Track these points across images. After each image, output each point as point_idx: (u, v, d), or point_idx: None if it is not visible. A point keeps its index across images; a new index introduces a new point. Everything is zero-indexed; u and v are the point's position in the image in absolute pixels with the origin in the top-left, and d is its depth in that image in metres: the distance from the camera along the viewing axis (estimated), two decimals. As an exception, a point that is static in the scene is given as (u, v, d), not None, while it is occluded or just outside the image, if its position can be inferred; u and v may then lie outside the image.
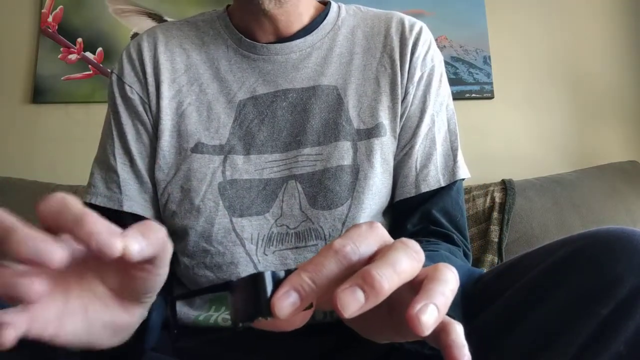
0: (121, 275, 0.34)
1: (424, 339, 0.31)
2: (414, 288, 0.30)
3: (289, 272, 0.30)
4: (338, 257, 0.29)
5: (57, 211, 0.28)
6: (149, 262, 0.32)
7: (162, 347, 0.58)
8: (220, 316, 0.61)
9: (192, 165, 0.64)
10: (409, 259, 0.29)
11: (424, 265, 0.50)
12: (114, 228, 0.29)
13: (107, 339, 0.35)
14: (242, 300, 0.30)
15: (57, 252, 0.27)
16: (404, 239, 0.31)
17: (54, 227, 0.28)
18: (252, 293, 0.30)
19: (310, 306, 0.31)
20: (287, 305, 0.29)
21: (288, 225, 0.62)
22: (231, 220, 0.62)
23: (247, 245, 0.62)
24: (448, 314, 0.41)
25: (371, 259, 0.30)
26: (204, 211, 0.62)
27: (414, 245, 0.30)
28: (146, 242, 0.30)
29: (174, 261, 0.66)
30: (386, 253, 0.29)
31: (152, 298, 0.37)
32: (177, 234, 0.64)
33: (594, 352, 0.38)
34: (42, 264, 0.26)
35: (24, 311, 0.29)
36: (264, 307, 0.29)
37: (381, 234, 0.32)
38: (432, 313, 0.28)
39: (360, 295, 0.27)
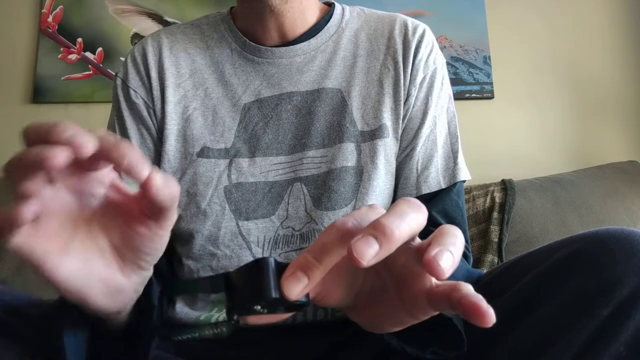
0: (125, 230, 0.35)
1: (437, 316, 0.32)
2: (421, 258, 0.31)
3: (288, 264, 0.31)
4: (340, 233, 0.30)
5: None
6: (154, 217, 0.34)
7: (164, 345, 0.58)
8: (221, 316, 0.62)
9: (198, 169, 0.64)
10: (414, 211, 0.31)
11: None
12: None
13: (102, 297, 0.35)
14: (242, 287, 0.31)
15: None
16: (405, 197, 0.32)
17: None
18: (256, 278, 0.30)
19: (308, 303, 0.31)
20: (295, 286, 0.29)
21: (294, 227, 0.63)
22: (237, 224, 0.63)
23: (254, 248, 0.62)
24: (448, 316, 0.41)
25: None
26: (211, 215, 0.63)
27: (415, 200, 0.32)
28: (167, 182, 0.32)
29: (177, 265, 0.66)
30: (394, 207, 0.31)
31: (149, 264, 0.38)
32: (182, 238, 0.65)
33: (594, 353, 0.38)
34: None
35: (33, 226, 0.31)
36: (268, 290, 0.29)
37: (381, 212, 0.33)
38: (448, 257, 0.29)
39: (374, 242, 0.28)
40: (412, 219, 0.30)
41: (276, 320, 0.32)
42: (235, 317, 0.31)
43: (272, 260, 0.30)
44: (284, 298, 0.30)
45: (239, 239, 0.62)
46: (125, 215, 0.35)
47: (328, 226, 0.32)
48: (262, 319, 0.32)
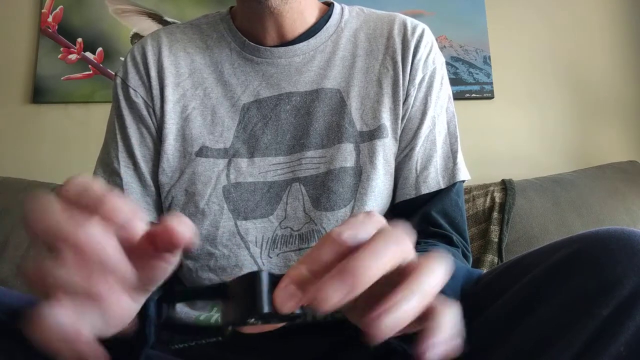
0: (139, 266, 0.34)
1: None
2: (405, 276, 0.30)
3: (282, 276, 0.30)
4: (335, 245, 0.30)
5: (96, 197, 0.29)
6: (171, 251, 0.33)
7: (161, 346, 0.58)
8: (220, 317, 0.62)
9: (197, 169, 0.64)
10: (394, 244, 0.30)
11: None
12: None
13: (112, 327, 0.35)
14: (236, 300, 0.30)
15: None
16: (391, 228, 0.31)
17: (86, 207, 0.28)
18: (249, 292, 0.29)
19: (302, 315, 0.31)
20: (288, 299, 0.29)
21: (292, 228, 0.63)
22: (236, 224, 0.63)
23: (252, 248, 0.62)
24: None
25: None
26: (209, 214, 0.63)
27: (398, 233, 0.30)
28: (189, 227, 0.31)
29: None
30: (369, 243, 0.29)
31: (156, 287, 0.37)
32: None
33: (594, 353, 0.38)
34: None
35: None
36: (260, 305, 0.29)
37: (378, 220, 0.32)
38: (392, 319, 0.28)
39: (339, 288, 0.27)
40: (385, 260, 0.29)
41: (272, 328, 0.32)
42: (230, 329, 0.31)
43: (265, 274, 0.30)
44: (276, 312, 0.29)
45: (237, 239, 0.62)
46: (140, 253, 0.34)
47: (324, 236, 0.31)
48: (257, 328, 0.31)
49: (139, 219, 0.29)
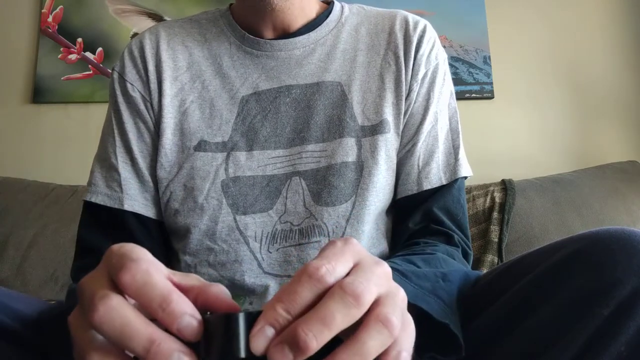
0: None
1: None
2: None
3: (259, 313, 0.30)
4: (313, 282, 0.29)
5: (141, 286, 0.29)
6: None
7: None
8: None
9: (195, 163, 0.64)
10: (344, 307, 0.29)
11: (419, 265, 0.50)
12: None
13: None
14: (215, 340, 0.29)
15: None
16: (343, 282, 0.30)
17: (137, 301, 0.29)
18: (227, 334, 0.29)
19: None
20: (263, 341, 0.28)
21: (292, 222, 0.62)
22: (235, 219, 0.62)
23: (251, 243, 0.62)
24: (442, 321, 0.41)
25: (347, 274, 0.30)
26: (208, 209, 0.62)
27: (354, 289, 0.29)
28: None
29: (174, 260, 0.66)
30: (320, 305, 0.29)
31: None
32: (178, 233, 0.64)
33: (594, 353, 0.38)
34: None
35: None
36: (237, 349, 0.28)
37: (357, 250, 0.32)
38: None
39: (288, 352, 0.28)
40: (337, 323, 0.28)
41: None
42: None
43: (241, 316, 0.29)
44: (253, 355, 0.29)
45: (236, 234, 0.62)
46: None
47: (300, 270, 0.30)
48: None
49: (198, 320, 0.29)
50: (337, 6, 0.72)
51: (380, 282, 0.31)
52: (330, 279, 0.30)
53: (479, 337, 0.45)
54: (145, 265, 0.30)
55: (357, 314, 0.29)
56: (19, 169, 1.52)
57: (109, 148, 0.67)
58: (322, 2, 0.74)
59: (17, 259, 1.29)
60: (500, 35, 1.66)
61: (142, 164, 0.66)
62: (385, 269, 0.32)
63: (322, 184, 0.63)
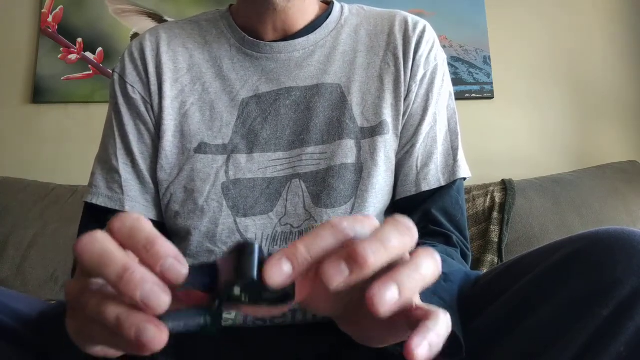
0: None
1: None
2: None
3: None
4: (335, 230, 0.30)
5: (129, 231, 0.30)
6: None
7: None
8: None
9: (196, 165, 0.64)
10: (399, 234, 0.29)
11: None
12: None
13: None
14: (224, 272, 0.29)
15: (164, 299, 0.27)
16: (396, 216, 0.31)
17: (124, 245, 0.30)
18: (237, 261, 0.29)
19: (292, 297, 0.30)
20: (278, 272, 0.28)
21: (292, 224, 0.62)
22: (235, 221, 0.62)
23: None
24: None
25: None
26: (208, 212, 0.62)
27: (405, 222, 0.30)
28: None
29: None
30: (377, 230, 0.30)
31: None
32: (179, 235, 0.64)
33: (594, 353, 0.38)
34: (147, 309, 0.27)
35: None
36: (247, 272, 0.28)
37: (376, 224, 0.32)
38: (390, 294, 0.28)
39: (344, 268, 0.27)
40: (393, 244, 0.29)
41: (261, 315, 0.31)
42: (217, 303, 0.30)
43: (256, 246, 0.29)
44: (264, 283, 0.28)
45: (236, 236, 0.62)
46: (176, 299, 0.33)
47: (323, 223, 0.31)
48: (246, 310, 0.30)
49: (182, 264, 0.29)
50: (336, 7, 0.72)
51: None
52: (351, 233, 0.30)
53: (478, 337, 0.45)
54: (137, 215, 0.30)
55: (409, 243, 0.30)
56: (19, 169, 1.52)
57: (110, 149, 0.67)
58: (322, 2, 0.74)
59: (17, 259, 1.29)
60: (500, 35, 1.66)
61: (143, 165, 0.66)
62: None
63: (321, 186, 0.63)
